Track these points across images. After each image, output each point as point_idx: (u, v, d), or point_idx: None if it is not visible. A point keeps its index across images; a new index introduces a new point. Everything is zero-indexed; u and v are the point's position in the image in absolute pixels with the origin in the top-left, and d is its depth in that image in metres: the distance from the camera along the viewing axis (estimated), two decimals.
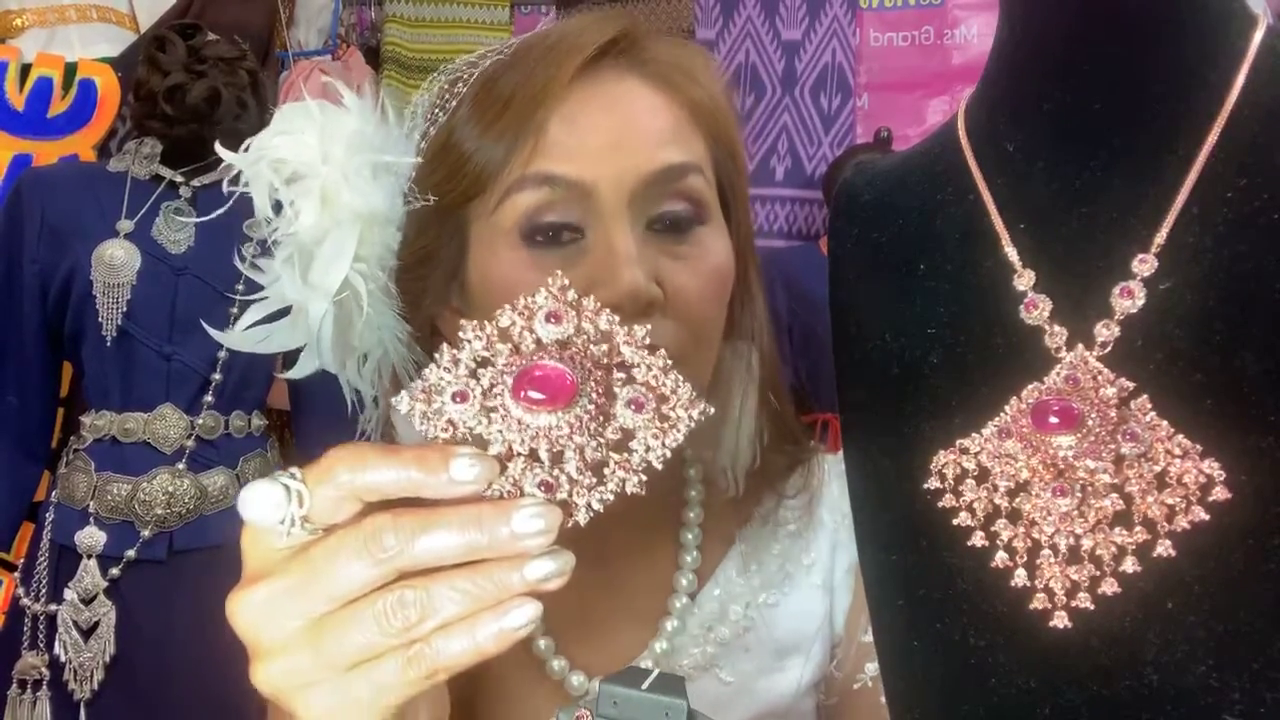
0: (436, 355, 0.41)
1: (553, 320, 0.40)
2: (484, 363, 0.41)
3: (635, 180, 0.60)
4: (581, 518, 0.40)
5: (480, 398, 0.40)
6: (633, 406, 0.40)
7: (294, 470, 0.39)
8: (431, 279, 0.66)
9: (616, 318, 0.41)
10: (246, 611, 0.39)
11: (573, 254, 0.60)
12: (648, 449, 0.40)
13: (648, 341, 0.41)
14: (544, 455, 0.40)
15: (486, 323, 0.41)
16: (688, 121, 0.64)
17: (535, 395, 0.39)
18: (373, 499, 0.39)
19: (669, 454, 0.40)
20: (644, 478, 0.40)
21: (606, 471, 0.40)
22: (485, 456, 0.39)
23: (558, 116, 0.60)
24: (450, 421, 0.40)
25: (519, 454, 0.40)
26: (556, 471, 0.40)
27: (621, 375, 0.41)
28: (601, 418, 0.40)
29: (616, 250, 0.58)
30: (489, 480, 0.39)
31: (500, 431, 0.40)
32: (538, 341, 0.41)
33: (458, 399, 0.40)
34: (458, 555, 0.38)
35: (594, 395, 0.40)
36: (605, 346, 0.41)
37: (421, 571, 0.39)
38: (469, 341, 0.41)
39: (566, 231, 0.61)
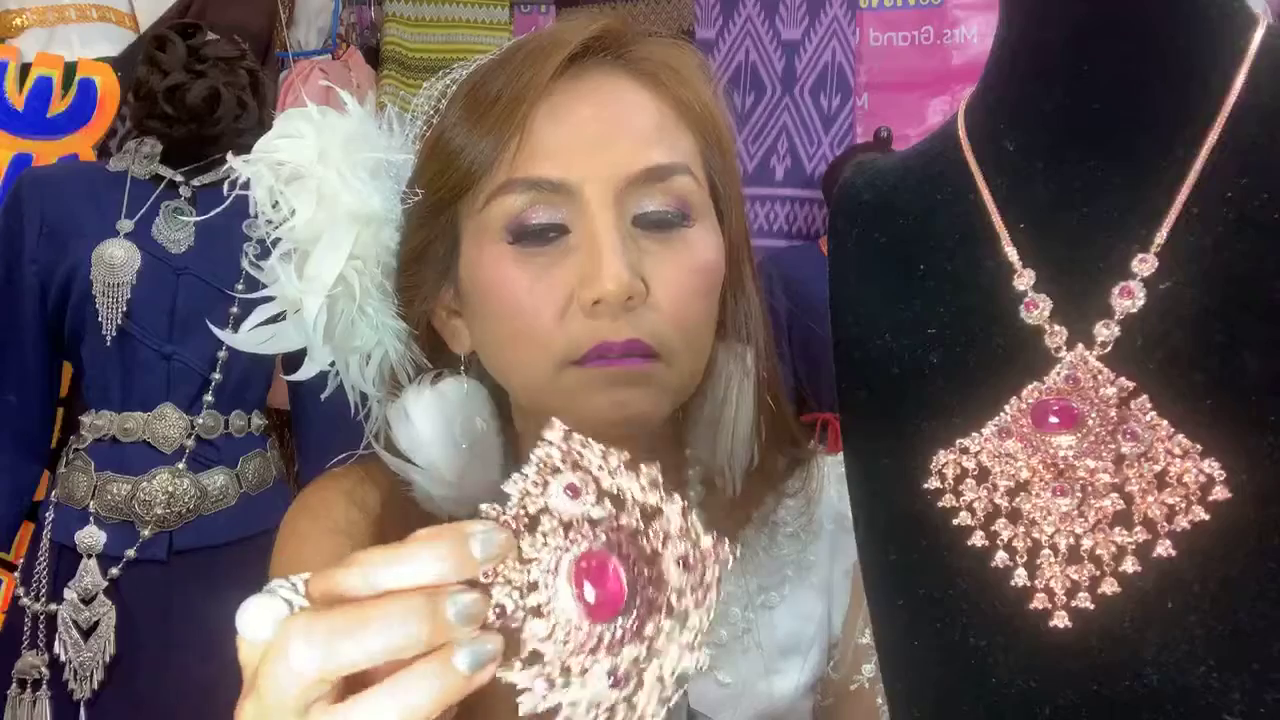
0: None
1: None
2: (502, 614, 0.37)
3: (621, 179, 0.60)
4: None
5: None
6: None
7: (295, 580, 0.37)
8: (425, 275, 0.67)
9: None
10: None
11: (558, 251, 0.61)
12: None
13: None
14: None
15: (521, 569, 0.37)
16: (675, 119, 0.64)
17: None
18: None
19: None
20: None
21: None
22: None
23: (543, 113, 0.61)
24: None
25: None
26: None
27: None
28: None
29: (600, 245, 0.59)
30: None
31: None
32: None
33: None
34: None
35: None
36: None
37: None
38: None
39: (552, 230, 0.61)
